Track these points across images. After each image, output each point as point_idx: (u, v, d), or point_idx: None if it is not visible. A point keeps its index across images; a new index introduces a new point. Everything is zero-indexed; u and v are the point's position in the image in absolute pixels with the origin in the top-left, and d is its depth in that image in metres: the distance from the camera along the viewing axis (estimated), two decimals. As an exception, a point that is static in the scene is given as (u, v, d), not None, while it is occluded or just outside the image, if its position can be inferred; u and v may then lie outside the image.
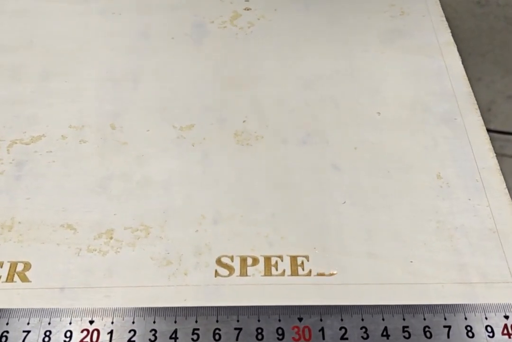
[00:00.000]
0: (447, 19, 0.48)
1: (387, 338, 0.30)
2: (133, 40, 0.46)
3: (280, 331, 0.30)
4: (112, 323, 0.31)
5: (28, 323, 0.30)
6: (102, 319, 0.31)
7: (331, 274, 0.33)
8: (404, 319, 0.31)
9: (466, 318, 0.31)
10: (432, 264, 0.33)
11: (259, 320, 0.31)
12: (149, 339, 0.30)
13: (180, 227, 0.35)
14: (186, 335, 0.30)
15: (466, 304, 0.31)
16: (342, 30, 0.47)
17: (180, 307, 0.31)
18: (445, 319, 0.31)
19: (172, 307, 0.31)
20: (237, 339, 0.30)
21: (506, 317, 0.31)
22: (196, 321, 0.31)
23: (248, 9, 0.49)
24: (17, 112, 0.41)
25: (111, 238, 0.34)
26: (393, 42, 0.46)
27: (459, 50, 0.45)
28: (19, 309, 0.31)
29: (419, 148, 0.39)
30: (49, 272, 0.33)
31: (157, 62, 0.44)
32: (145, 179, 0.37)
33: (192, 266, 0.33)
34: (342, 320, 0.31)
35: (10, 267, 0.33)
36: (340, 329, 0.30)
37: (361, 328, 0.30)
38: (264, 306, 0.31)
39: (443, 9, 0.49)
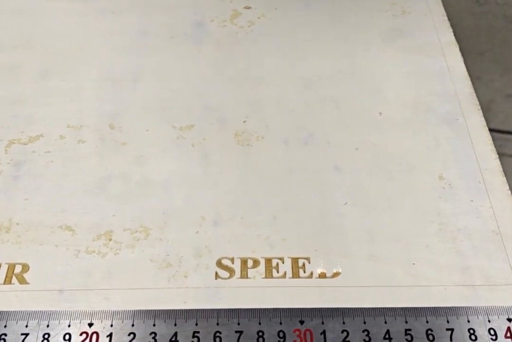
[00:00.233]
0: (446, 18, 0.48)
1: (389, 341, 0.30)
2: (132, 39, 0.46)
3: (281, 334, 0.30)
4: (112, 326, 0.30)
5: (26, 326, 0.30)
6: (101, 322, 0.30)
7: (336, 274, 0.32)
8: (406, 322, 0.30)
9: (469, 321, 0.30)
10: (435, 266, 0.33)
11: (260, 323, 0.30)
12: (149, 342, 0.30)
13: (180, 229, 0.34)
14: (186, 338, 0.30)
15: (469, 307, 0.31)
16: (343, 29, 0.47)
17: (180, 310, 0.31)
18: (447, 322, 0.30)
19: (172, 310, 0.31)
20: (238, 342, 0.30)
21: (509, 320, 0.31)
22: (197, 324, 0.30)
23: (248, 8, 0.48)
24: (15, 112, 0.40)
25: (110, 239, 0.34)
26: (394, 41, 0.46)
27: (458, 49, 0.45)
28: (17, 311, 0.31)
29: (421, 149, 0.38)
30: (47, 274, 0.32)
31: (157, 61, 0.44)
32: (144, 180, 0.37)
33: (192, 268, 0.33)
34: (344, 323, 0.30)
35: (8, 268, 0.33)
36: (342, 332, 0.30)
37: (363, 331, 0.30)
38: (265, 308, 0.31)
39: (441, 7, 0.48)
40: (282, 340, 0.30)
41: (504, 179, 0.37)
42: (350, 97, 0.42)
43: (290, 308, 0.31)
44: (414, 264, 0.33)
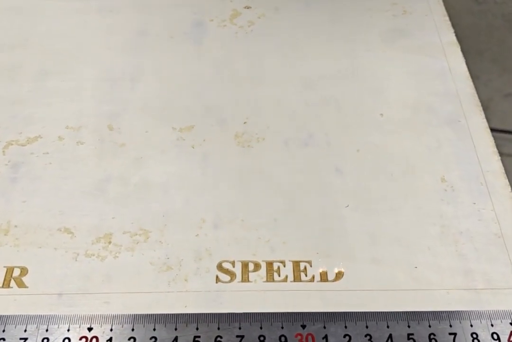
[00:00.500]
0: (444, 17, 0.47)
1: (392, 346, 0.30)
2: (131, 39, 0.45)
3: (283, 339, 0.30)
4: (111, 330, 0.30)
5: (25, 330, 0.30)
6: (101, 326, 0.30)
7: (338, 277, 0.32)
8: (409, 326, 0.30)
9: (472, 325, 0.30)
10: (437, 269, 0.33)
11: (261, 328, 0.30)
12: (149, 347, 0.29)
13: (180, 231, 0.34)
14: (187, 342, 0.30)
15: (472, 311, 0.31)
16: (343, 29, 0.46)
17: (181, 314, 0.31)
18: (450, 326, 0.30)
19: (172, 314, 0.30)
20: (239, 346, 0.29)
21: (512, 324, 0.30)
22: (197, 329, 0.30)
23: (248, 8, 0.48)
24: (13, 113, 0.40)
25: (110, 242, 0.34)
26: (395, 41, 0.45)
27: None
28: (16, 315, 0.30)
29: (422, 151, 0.38)
30: (46, 278, 0.32)
31: (156, 61, 0.44)
32: (143, 182, 0.36)
33: (193, 272, 0.32)
34: (346, 327, 0.30)
35: (6, 272, 0.32)
36: (344, 336, 0.30)
37: (366, 336, 0.30)
38: (267, 313, 0.31)
39: (440, 7, 0.48)
40: (283, 344, 0.30)
41: (507, 181, 0.36)
42: (351, 97, 0.41)
43: (291, 312, 0.31)
44: (416, 267, 0.33)
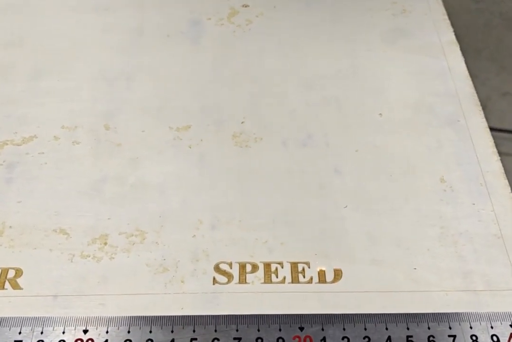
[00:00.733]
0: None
1: (391, 348, 0.29)
2: (127, 37, 0.45)
3: (280, 341, 0.29)
4: (107, 332, 0.30)
5: (19, 333, 0.29)
6: (96, 329, 0.30)
7: (336, 279, 0.32)
8: (408, 328, 0.30)
9: (471, 327, 0.30)
10: (436, 271, 0.32)
11: (259, 330, 0.30)
12: (145, 350, 0.29)
13: (176, 232, 0.34)
14: (183, 345, 0.29)
15: (472, 313, 0.30)
16: (344, 28, 0.46)
17: (177, 316, 0.30)
18: (450, 328, 0.30)
19: (169, 316, 0.30)
20: (236, 349, 0.29)
21: (512, 326, 0.30)
22: (194, 331, 0.30)
23: (246, 6, 0.47)
24: (7, 112, 0.39)
25: (106, 243, 0.33)
26: (395, 41, 0.45)
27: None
28: (10, 317, 0.30)
29: (422, 151, 0.38)
30: (41, 279, 0.32)
31: (152, 60, 0.43)
32: (140, 182, 0.36)
33: (189, 273, 0.32)
34: (344, 329, 0.30)
35: (1, 273, 0.32)
36: (343, 338, 0.29)
37: (364, 338, 0.29)
38: (264, 314, 0.30)
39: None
40: (281, 347, 0.29)
41: (506, 181, 0.36)
42: (351, 97, 0.41)
43: (289, 314, 0.30)
44: (415, 268, 0.32)
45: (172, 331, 0.30)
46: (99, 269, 0.32)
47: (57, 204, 0.35)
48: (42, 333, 0.29)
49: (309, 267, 0.32)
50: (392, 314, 0.30)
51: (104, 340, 0.29)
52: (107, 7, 0.47)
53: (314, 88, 0.42)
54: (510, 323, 0.30)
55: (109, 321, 0.30)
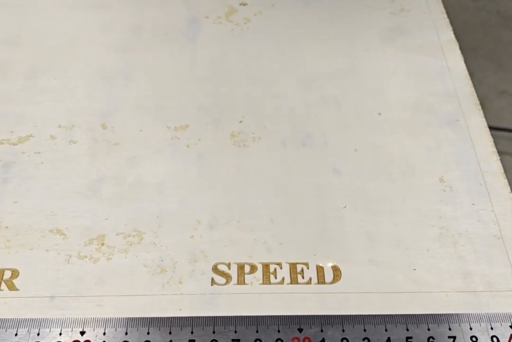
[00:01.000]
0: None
1: (390, 349, 0.29)
2: (124, 36, 0.44)
3: (279, 343, 0.29)
4: (104, 334, 0.29)
5: (16, 334, 0.29)
6: (93, 330, 0.29)
7: (335, 279, 0.32)
8: (407, 330, 0.30)
9: (471, 328, 0.30)
10: (436, 271, 0.32)
11: (257, 331, 0.29)
12: (143, 351, 0.29)
13: (174, 233, 0.33)
14: (181, 347, 0.29)
15: (471, 314, 0.30)
16: (342, 27, 0.46)
17: (175, 317, 0.30)
18: (449, 329, 0.30)
19: (166, 317, 0.30)
20: (234, 351, 0.29)
21: (512, 327, 0.30)
22: (192, 332, 0.29)
23: (244, 5, 0.47)
24: (3, 111, 0.39)
25: (103, 244, 0.33)
26: (394, 40, 0.45)
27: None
28: (6, 319, 0.30)
29: (421, 151, 0.38)
30: (38, 280, 0.31)
31: (150, 59, 0.43)
32: (137, 182, 0.36)
33: (187, 274, 0.32)
34: (343, 330, 0.30)
35: (-4, 274, 0.32)
36: (342, 340, 0.29)
37: (364, 339, 0.29)
38: (263, 316, 0.30)
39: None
40: (280, 348, 0.29)
41: (506, 181, 0.36)
42: (350, 97, 0.41)
43: (288, 316, 0.30)
44: (414, 269, 0.32)
45: (170, 333, 0.29)
46: (96, 269, 0.32)
47: (53, 204, 0.35)
48: (38, 334, 0.29)
49: (308, 268, 0.32)
50: (392, 315, 0.30)
51: (101, 341, 0.29)
52: (105, 5, 0.47)
53: (312, 87, 0.41)
54: (510, 324, 0.30)
55: (107, 322, 0.30)
